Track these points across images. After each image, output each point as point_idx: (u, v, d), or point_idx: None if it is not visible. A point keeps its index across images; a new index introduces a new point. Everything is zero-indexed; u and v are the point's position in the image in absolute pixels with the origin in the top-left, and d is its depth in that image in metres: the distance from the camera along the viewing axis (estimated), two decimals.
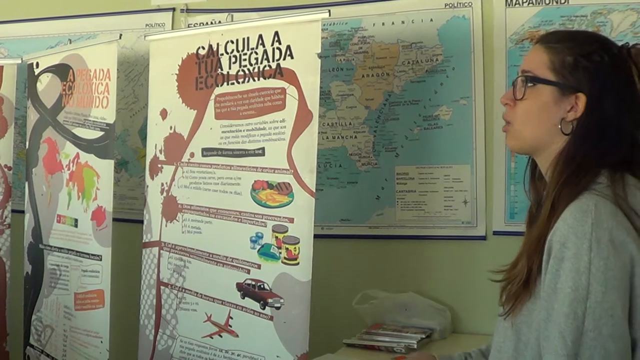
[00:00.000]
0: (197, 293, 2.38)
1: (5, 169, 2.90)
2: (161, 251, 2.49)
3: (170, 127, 2.48)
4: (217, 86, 2.36)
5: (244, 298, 2.25)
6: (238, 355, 2.27)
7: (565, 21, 2.35)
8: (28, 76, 2.94)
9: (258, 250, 2.22)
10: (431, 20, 2.53)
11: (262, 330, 2.18)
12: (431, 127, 2.54)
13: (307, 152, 2.13)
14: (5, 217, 2.90)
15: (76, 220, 2.70)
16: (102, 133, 2.61)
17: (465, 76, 2.48)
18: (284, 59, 2.20)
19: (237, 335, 2.27)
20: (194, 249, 2.40)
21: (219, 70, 2.36)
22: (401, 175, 2.59)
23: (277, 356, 2.15)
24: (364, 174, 2.63)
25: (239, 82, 2.31)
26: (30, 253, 2.92)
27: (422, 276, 2.57)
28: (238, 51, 2.31)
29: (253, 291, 2.22)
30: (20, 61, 2.94)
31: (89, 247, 2.63)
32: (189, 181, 2.42)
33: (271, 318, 2.17)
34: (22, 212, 2.96)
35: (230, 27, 2.39)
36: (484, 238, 2.49)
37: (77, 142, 2.71)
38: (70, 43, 2.98)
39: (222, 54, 2.35)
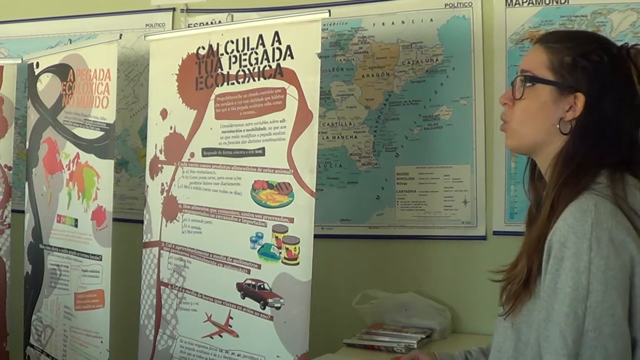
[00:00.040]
0: (197, 293, 2.38)
1: (5, 169, 2.90)
2: (161, 251, 2.49)
3: (171, 127, 2.48)
4: (217, 86, 2.36)
5: (244, 298, 2.25)
6: (238, 355, 2.27)
7: (565, 21, 2.35)
8: (28, 76, 2.94)
9: (258, 250, 2.22)
10: (431, 20, 2.53)
11: (262, 330, 2.18)
12: (431, 127, 2.54)
13: (307, 152, 2.14)
14: (5, 217, 2.90)
15: (76, 220, 2.70)
16: (102, 133, 2.61)
17: (465, 76, 2.48)
18: (284, 59, 2.20)
19: (237, 335, 2.27)
20: (194, 249, 2.40)
21: (219, 70, 2.36)
22: (401, 175, 2.59)
23: (277, 356, 2.15)
24: (364, 174, 2.63)
25: (239, 82, 2.31)
26: (30, 253, 2.92)
27: (422, 276, 2.57)
28: (238, 51, 2.31)
29: (253, 291, 2.22)
30: (20, 61, 2.94)
31: (89, 247, 2.63)
32: (189, 181, 2.43)
33: (271, 318, 2.17)
34: (22, 212, 2.96)
35: (230, 27, 2.39)
36: (484, 238, 2.49)
37: (77, 142, 2.71)
38: (71, 43, 2.98)
39: (222, 54, 2.35)
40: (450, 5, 2.50)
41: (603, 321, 1.20)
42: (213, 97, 2.37)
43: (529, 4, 2.40)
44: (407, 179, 2.58)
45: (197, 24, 2.83)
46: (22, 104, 3.06)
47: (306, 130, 2.13)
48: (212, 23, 2.79)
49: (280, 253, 2.17)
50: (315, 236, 2.13)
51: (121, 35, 2.62)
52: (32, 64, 2.92)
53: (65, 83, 2.77)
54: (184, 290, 2.42)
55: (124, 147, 3.03)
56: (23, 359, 2.95)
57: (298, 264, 2.13)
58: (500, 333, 1.39)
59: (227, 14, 2.71)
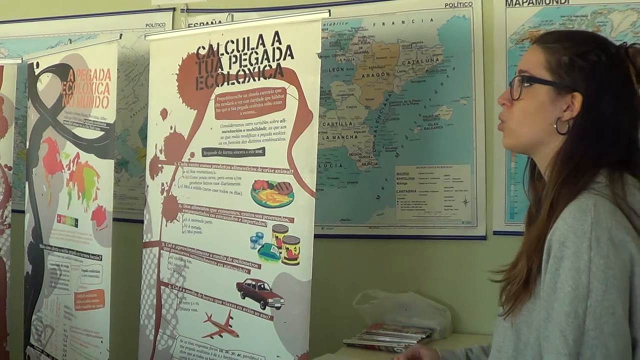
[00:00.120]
0: (197, 293, 2.38)
1: (6, 169, 2.90)
2: (161, 251, 2.49)
3: (171, 127, 2.48)
4: (218, 86, 2.36)
5: (244, 298, 2.25)
6: (238, 355, 2.27)
7: (565, 21, 2.35)
8: (28, 76, 2.94)
9: (258, 250, 2.22)
10: (431, 20, 2.53)
11: (263, 330, 2.18)
12: (431, 127, 2.54)
13: (307, 152, 2.14)
14: (6, 217, 2.90)
15: (76, 220, 2.71)
16: (102, 133, 2.61)
17: (465, 76, 2.48)
18: (284, 58, 2.20)
19: (238, 335, 2.27)
20: (194, 248, 2.40)
21: (219, 70, 2.36)
22: (401, 175, 2.59)
23: (278, 356, 2.15)
24: (364, 173, 2.63)
25: (239, 82, 2.31)
26: (30, 253, 2.92)
27: (422, 276, 2.57)
28: (238, 51, 2.31)
29: (253, 291, 2.22)
30: (20, 61, 2.95)
31: (89, 247, 2.63)
32: (189, 181, 2.43)
33: (271, 318, 2.17)
34: (23, 212, 2.97)
35: (230, 27, 2.39)
36: (484, 238, 2.49)
37: (78, 142, 2.71)
38: (71, 43, 2.98)
39: (222, 54, 2.35)
40: (451, 5, 2.50)
41: (603, 320, 1.20)
42: (213, 97, 2.37)
43: (529, 3, 2.40)
44: (407, 178, 2.58)
45: (197, 23, 2.83)
46: (22, 104, 3.06)
47: (306, 130, 2.13)
48: (212, 23, 2.78)
49: (281, 253, 2.17)
50: (316, 236, 2.13)
51: (121, 35, 2.62)
52: (32, 64, 2.92)
53: (65, 83, 2.77)
54: (184, 290, 2.42)
55: (124, 147, 3.03)
56: (23, 359, 2.95)
57: (298, 264, 2.13)
58: (500, 333, 1.39)
59: (227, 13, 2.71)
